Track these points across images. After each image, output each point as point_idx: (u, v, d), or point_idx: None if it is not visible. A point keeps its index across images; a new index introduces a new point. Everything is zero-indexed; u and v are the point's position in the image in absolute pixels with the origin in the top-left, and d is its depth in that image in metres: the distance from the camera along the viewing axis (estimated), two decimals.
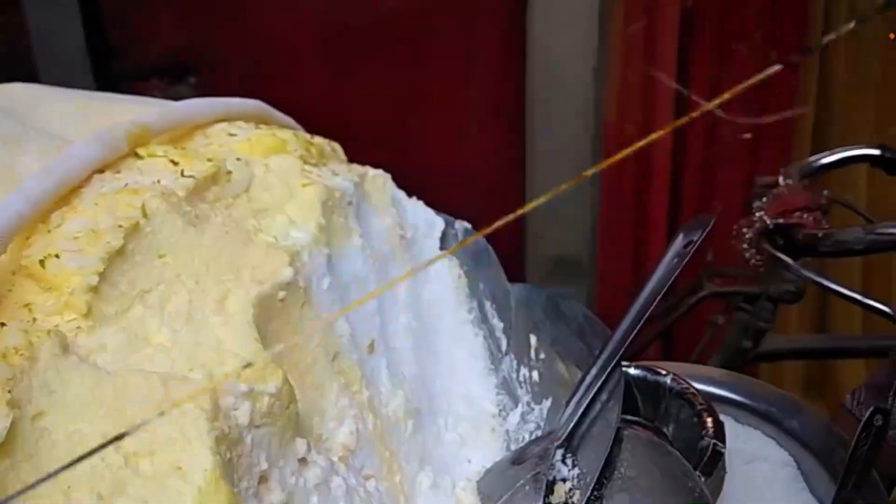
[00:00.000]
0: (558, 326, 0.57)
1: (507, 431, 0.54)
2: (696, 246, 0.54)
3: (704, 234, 0.54)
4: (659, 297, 0.53)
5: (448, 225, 0.65)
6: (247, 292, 0.38)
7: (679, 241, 0.55)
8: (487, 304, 0.61)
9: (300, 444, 0.36)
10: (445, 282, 0.61)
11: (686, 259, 0.54)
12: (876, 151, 1.00)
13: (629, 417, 0.51)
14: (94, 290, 0.33)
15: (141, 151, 0.42)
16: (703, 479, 0.46)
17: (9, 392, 0.27)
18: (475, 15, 1.23)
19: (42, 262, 0.33)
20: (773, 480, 0.59)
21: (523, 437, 0.54)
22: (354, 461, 0.41)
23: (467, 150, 1.24)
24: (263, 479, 0.34)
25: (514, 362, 0.58)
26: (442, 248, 0.63)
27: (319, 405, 0.41)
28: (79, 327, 0.32)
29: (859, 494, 0.52)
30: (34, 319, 0.31)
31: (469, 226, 0.65)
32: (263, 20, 1.26)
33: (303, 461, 0.37)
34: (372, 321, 0.49)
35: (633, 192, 1.26)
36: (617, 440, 0.47)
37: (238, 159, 0.46)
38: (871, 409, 0.50)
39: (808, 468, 0.58)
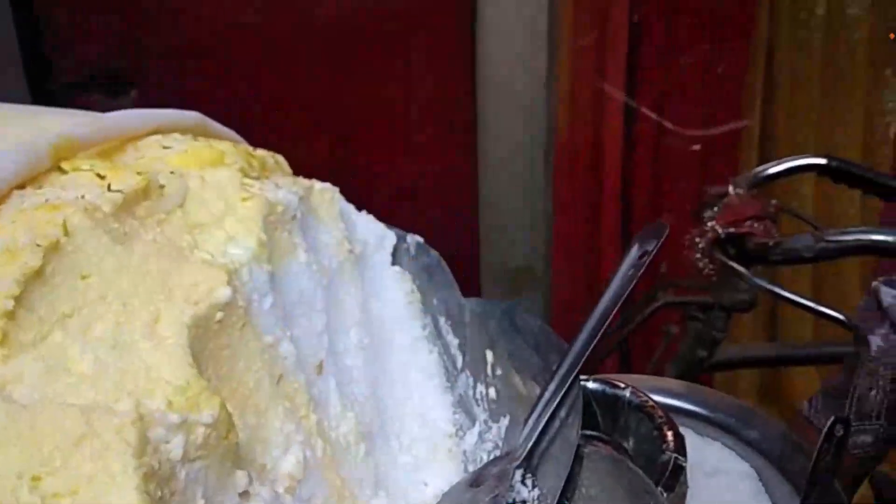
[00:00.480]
0: (514, 341, 0.56)
1: (465, 452, 0.53)
2: (651, 256, 0.53)
3: (659, 244, 0.53)
4: (616, 309, 0.52)
5: (400, 239, 0.63)
6: (180, 314, 0.35)
7: (634, 251, 0.54)
8: (442, 320, 0.60)
9: (241, 477, 0.34)
10: (397, 298, 0.60)
11: (641, 270, 0.53)
12: (822, 161, 1.02)
13: (589, 433, 0.50)
14: (10, 315, 0.30)
15: (65, 166, 0.39)
16: (664, 494, 0.45)
17: None
18: (423, 27, 1.22)
19: None
20: (735, 492, 0.58)
21: (481, 458, 0.52)
22: (301, 491, 0.39)
23: (417, 164, 1.23)
24: None
25: (471, 379, 0.56)
26: (394, 263, 0.61)
27: (262, 433, 0.38)
28: None
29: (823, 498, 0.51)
30: None
31: (421, 240, 0.64)
32: (207, 31, 1.23)
33: (244, 495, 0.34)
34: (320, 340, 0.47)
35: (586, 203, 1.26)
36: (577, 458, 0.46)
37: (172, 172, 0.44)
38: (832, 419, 0.50)
39: (768, 478, 0.58)
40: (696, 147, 1.33)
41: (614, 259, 1.25)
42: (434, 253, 0.63)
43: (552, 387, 0.49)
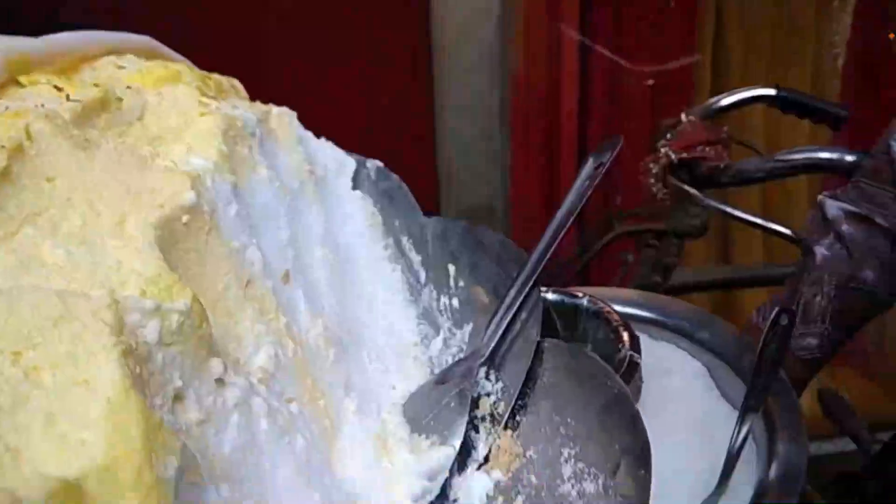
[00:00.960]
0: (476, 255, 0.58)
1: (430, 358, 0.55)
2: (606, 167, 0.55)
3: (614, 155, 0.55)
4: (573, 219, 0.54)
5: (359, 165, 0.64)
6: (146, 215, 0.37)
7: (590, 163, 0.57)
8: (404, 240, 0.61)
9: (216, 364, 0.36)
10: (359, 221, 0.61)
11: (597, 181, 0.55)
12: (771, 91, 1.05)
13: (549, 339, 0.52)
14: None
15: (22, 80, 0.40)
16: None
17: None
18: None
19: None
20: (688, 390, 0.62)
21: (446, 362, 0.54)
22: (275, 385, 0.41)
23: (373, 101, 1.23)
24: (178, 397, 0.33)
25: (434, 292, 0.58)
26: (354, 188, 0.63)
27: (234, 332, 0.40)
28: None
29: (768, 392, 0.55)
30: None
31: (381, 164, 0.65)
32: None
33: (220, 382, 0.36)
34: (285, 252, 0.49)
35: (543, 141, 1.28)
36: (537, 353, 0.49)
37: (129, 87, 0.45)
38: (777, 309, 0.54)
39: (719, 375, 0.61)
40: (651, 82, 1.36)
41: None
42: (394, 177, 0.64)
43: (513, 291, 0.52)
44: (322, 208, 0.57)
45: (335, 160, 0.63)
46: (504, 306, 0.52)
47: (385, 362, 0.55)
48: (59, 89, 0.39)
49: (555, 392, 0.46)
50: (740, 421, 0.55)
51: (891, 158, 0.70)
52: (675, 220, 1.08)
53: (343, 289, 0.55)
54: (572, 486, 0.40)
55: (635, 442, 0.39)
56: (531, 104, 1.28)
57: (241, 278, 0.42)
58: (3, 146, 0.33)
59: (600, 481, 0.39)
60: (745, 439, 0.56)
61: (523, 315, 0.52)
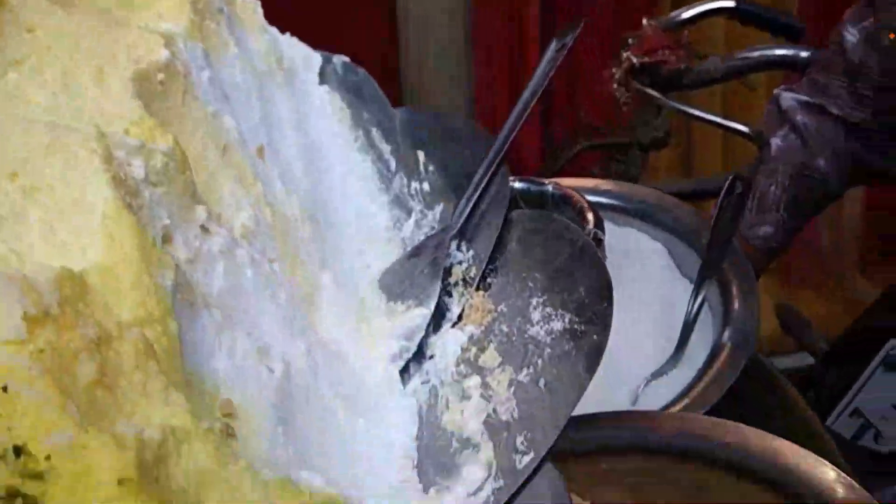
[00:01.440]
0: (445, 140, 0.60)
1: (403, 239, 0.57)
2: (568, 47, 0.58)
3: (576, 35, 0.58)
4: (537, 97, 0.57)
5: (325, 60, 0.65)
6: (123, 70, 0.38)
7: (553, 45, 0.59)
8: (373, 131, 0.63)
9: (200, 211, 0.38)
10: (328, 114, 0.63)
11: (559, 60, 0.57)
12: (731, 4, 1.08)
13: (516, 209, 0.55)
14: None
15: None
16: None
17: None
18: None
19: None
20: (648, 269, 0.66)
21: (419, 241, 0.57)
22: (256, 243, 0.43)
23: (336, 33, 1.23)
24: (167, 237, 0.35)
25: (404, 179, 0.60)
26: (322, 83, 0.64)
27: (214, 191, 0.42)
28: None
29: (723, 260, 0.59)
30: None
31: (347, 59, 0.66)
32: None
33: (205, 230, 0.38)
34: (258, 129, 0.50)
35: (505, 63, 1.29)
36: (506, 222, 0.51)
37: None
38: (732, 176, 0.57)
39: (678, 253, 0.65)
40: None
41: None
42: (361, 70, 0.66)
43: (482, 170, 0.54)
44: (291, 98, 0.59)
45: (301, 55, 0.64)
46: (473, 184, 0.54)
47: (359, 244, 0.57)
48: None
49: (523, 252, 0.49)
50: (696, 289, 0.59)
51: (843, 49, 0.73)
52: (637, 132, 1.11)
53: (315, 176, 0.57)
54: (541, 327, 0.43)
55: (598, 281, 0.43)
56: (495, 20, 1.29)
57: (218, 143, 0.44)
58: None
59: (567, 318, 0.42)
60: (700, 307, 0.60)
61: (492, 191, 0.54)
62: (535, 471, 0.34)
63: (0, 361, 0.22)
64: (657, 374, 0.58)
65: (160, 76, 0.40)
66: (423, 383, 0.47)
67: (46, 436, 0.21)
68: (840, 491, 0.40)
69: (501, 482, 0.36)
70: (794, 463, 0.43)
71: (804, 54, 0.84)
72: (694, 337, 0.59)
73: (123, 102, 0.36)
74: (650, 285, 0.64)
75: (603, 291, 0.42)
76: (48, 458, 0.21)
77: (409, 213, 0.59)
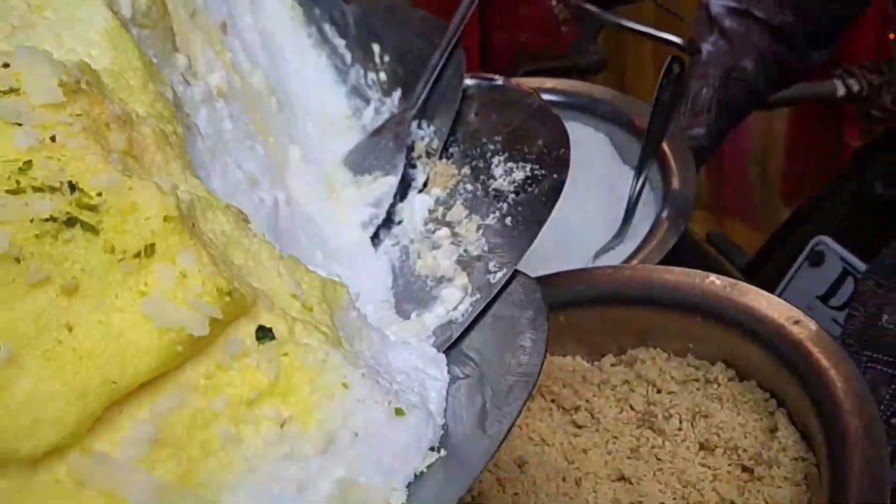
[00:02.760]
0: (398, 30, 0.63)
1: (363, 126, 0.60)
2: None
3: None
4: None
5: None
6: None
7: None
8: (326, 27, 0.65)
9: (181, 58, 0.40)
10: (279, 13, 0.65)
11: None
12: None
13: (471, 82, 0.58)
14: None
15: None
16: None
17: None
18: None
19: None
20: (593, 157, 0.71)
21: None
22: (230, 106, 0.46)
23: None
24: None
25: (361, 70, 0.63)
26: None
27: (188, 48, 0.44)
28: None
29: (663, 137, 0.64)
30: None
31: None
32: None
33: (185, 79, 0.40)
34: (220, 6, 0.52)
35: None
36: (464, 98, 0.55)
37: None
38: (670, 58, 0.62)
39: (619, 140, 0.70)
40: None
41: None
42: None
43: (438, 53, 0.58)
44: None
45: None
46: (430, 67, 0.58)
47: (321, 132, 0.60)
48: None
49: (482, 121, 0.53)
50: (639, 168, 0.65)
51: None
52: (576, 56, 1.16)
53: (274, 63, 0.60)
54: (503, 179, 0.47)
55: (556, 132, 0.47)
56: None
57: (188, 6, 0.46)
58: None
59: (528, 168, 0.47)
60: (643, 186, 0.65)
61: (448, 72, 0.58)
62: (509, 281, 0.39)
63: (42, 119, 0.24)
64: (607, 248, 0.64)
65: None
66: (393, 245, 0.51)
67: (94, 176, 0.24)
68: (796, 322, 0.44)
69: (478, 295, 0.40)
70: (737, 297, 0.48)
71: None
72: (638, 213, 0.65)
73: None
74: (596, 171, 0.69)
75: (561, 140, 0.46)
76: (99, 194, 0.24)
77: (367, 101, 0.62)
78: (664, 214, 0.62)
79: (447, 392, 0.33)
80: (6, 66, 0.25)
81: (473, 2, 0.59)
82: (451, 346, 0.37)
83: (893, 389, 0.52)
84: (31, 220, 0.22)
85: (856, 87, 1.20)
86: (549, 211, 0.42)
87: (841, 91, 1.21)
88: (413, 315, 0.42)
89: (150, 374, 0.23)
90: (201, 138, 0.36)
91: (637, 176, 0.64)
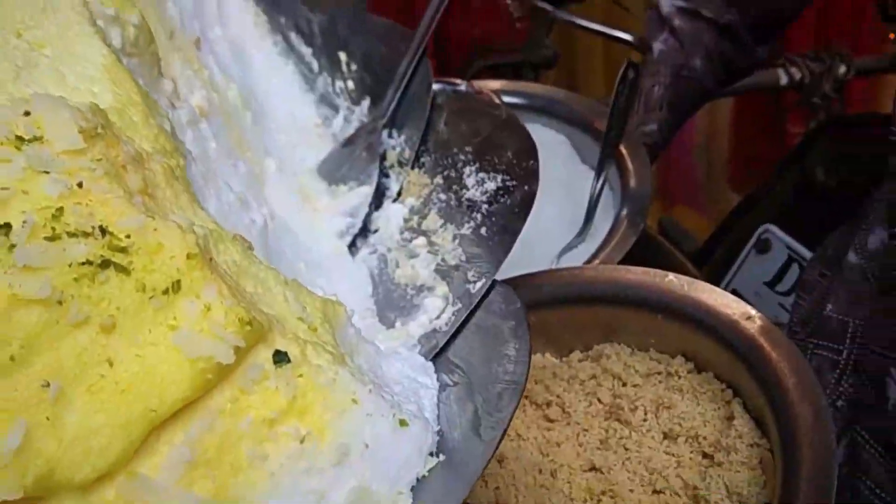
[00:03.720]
0: (365, 39, 0.65)
1: (333, 135, 0.63)
2: None
3: None
4: None
5: None
6: None
7: None
8: (292, 35, 0.67)
9: (167, 83, 0.42)
10: (245, 22, 0.66)
11: None
12: None
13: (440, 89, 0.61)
14: None
15: None
16: None
17: None
18: None
19: None
20: (554, 158, 0.74)
21: (350, 134, 0.63)
22: (211, 125, 0.47)
23: None
24: None
25: (328, 78, 0.65)
26: None
27: (169, 72, 0.46)
28: None
29: (621, 139, 0.68)
30: None
31: None
32: None
33: (170, 103, 0.42)
34: (192, 22, 0.54)
35: None
36: (433, 107, 0.58)
37: None
38: (626, 63, 0.66)
39: (578, 141, 0.74)
40: None
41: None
42: None
43: (405, 62, 0.60)
44: (213, 6, 0.62)
45: None
46: (398, 76, 0.60)
47: (292, 141, 0.62)
48: None
49: (452, 131, 0.56)
50: (598, 170, 0.69)
51: None
52: (529, 51, 1.19)
53: (243, 74, 0.61)
54: (476, 189, 0.51)
55: (523, 143, 0.50)
56: None
57: (166, 28, 0.47)
58: None
59: (499, 179, 0.50)
60: (602, 186, 0.69)
61: (416, 81, 0.60)
62: (489, 291, 0.42)
63: (67, 166, 0.27)
64: (570, 247, 0.67)
65: None
66: (370, 253, 0.53)
67: (121, 219, 0.26)
68: (748, 317, 0.48)
69: (459, 305, 0.43)
70: (694, 294, 0.52)
71: None
72: (598, 212, 0.69)
73: None
74: (557, 173, 0.72)
75: (529, 151, 0.50)
76: (128, 236, 0.26)
77: (336, 110, 0.64)
78: (623, 213, 0.66)
79: (438, 399, 0.36)
80: (27, 114, 0.27)
81: (437, 12, 0.61)
82: (437, 355, 0.40)
83: (838, 374, 0.57)
84: (70, 265, 0.24)
85: (798, 76, 1.26)
86: (523, 222, 0.46)
87: (783, 80, 1.27)
88: (397, 324, 0.45)
89: (183, 402, 0.25)
90: (195, 164, 0.38)
91: (597, 177, 0.68)
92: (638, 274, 0.55)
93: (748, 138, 1.79)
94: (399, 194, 0.55)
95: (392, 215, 0.54)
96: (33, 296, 0.23)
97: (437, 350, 0.40)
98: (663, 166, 1.70)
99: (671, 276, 0.54)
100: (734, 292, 1.09)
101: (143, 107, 0.33)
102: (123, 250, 0.26)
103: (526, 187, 0.48)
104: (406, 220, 0.54)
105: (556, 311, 0.57)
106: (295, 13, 0.68)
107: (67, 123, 0.27)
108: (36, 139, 0.27)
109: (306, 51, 0.67)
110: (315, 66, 0.67)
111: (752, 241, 1.03)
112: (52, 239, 0.24)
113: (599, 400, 0.53)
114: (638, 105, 0.89)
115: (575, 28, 1.02)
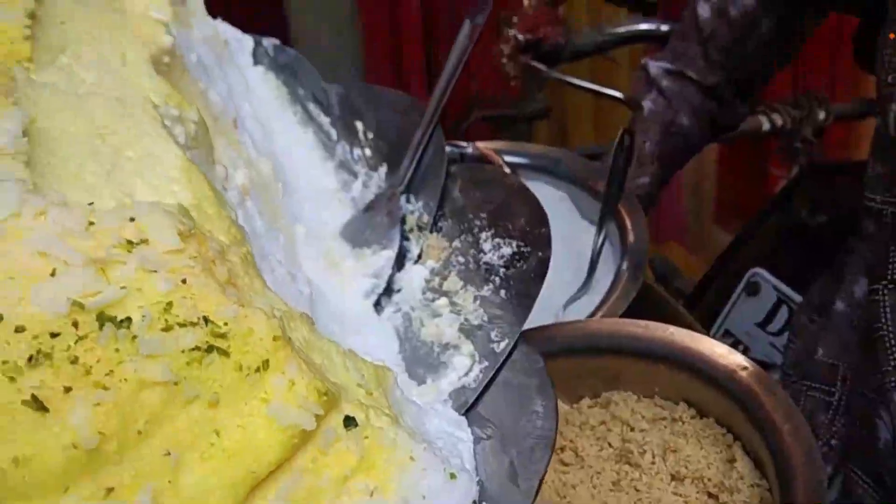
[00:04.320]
0: (379, 109, 0.71)
1: (353, 199, 0.68)
2: (481, 28, 0.70)
3: (486, 14, 0.70)
4: (459, 71, 0.69)
5: (256, 42, 0.74)
6: (139, 53, 0.47)
7: (466, 26, 0.71)
8: (310, 106, 0.73)
9: (220, 170, 0.47)
10: (265, 93, 0.72)
11: (475, 40, 0.70)
12: None
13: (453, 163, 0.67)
14: (29, 38, 0.40)
15: None
16: None
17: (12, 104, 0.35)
18: None
19: None
20: (554, 214, 0.80)
21: (368, 199, 0.68)
22: (255, 202, 0.53)
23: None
24: None
25: (347, 146, 0.71)
26: (255, 63, 0.73)
27: (218, 159, 0.51)
28: (28, 68, 0.39)
29: (619, 199, 0.74)
30: None
31: (277, 41, 0.76)
32: None
33: (223, 185, 0.47)
34: (227, 102, 0.59)
35: (390, 35, 1.41)
36: (448, 175, 0.64)
37: None
38: (621, 131, 0.72)
39: (577, 197, 0.80)
40: None
41: (420, 87, 1.42)
42: (291, 50, 0.76)
43: (419, 132, 0.66)
44: (238, 75, 0.68)
45: (234, 37, 0.73)
46: (413, 145, 0.66)
47: (314, 205, 0.67)
48: None
49: (466, 198, 0.61)
50: (599, 226, 0.74)
51: (696, 21, 0.91)
52: (523, 105, 1.26)
53: (270, 146, 0.67)
54: (493, 254, 0.56)
55: (535, 211, 0.56)
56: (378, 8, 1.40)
57: (211, 114, 0.53)
58: None
59: (513, 244, 0.55)
60: (603, 241, 0.75)
61: (430, 150, 0.66)
62: (512, 350, 0.47)
63: (171, 265, 0.32)
64: (573, 300, 0.73)
65: (166, 58, 0.49)
66: (395, 312, 0.58)
67: (219, 309, 0.31)
68: (744, 368, 0.54)
69: (486, 363, 0.48)
70: (694, 346, 0.58)
71: (664, 28, 1.02)
72: (599, 266, 0.74)
73: (151, 79, 0.45)
74: (560, 228, 0.78)
75: (541, 219, 0.55)
76: (226, 324, 0.31)
77: (354, 175, 0.70)
78: (624, 267, 0.72)
79: (474, 451, 0.41)
80: (132, 219, 0.32)
81: (448, 88, 0.67)
82: (468, 410, 0.45)
83: (831, 415, 0.63)
84: (182, 351, 0.29)
85: (779, 122, 1.34)
86: (539, 286, 0.51)
87: (766, 126, 1.35)
88: (428, 380, 0.50)
89: (277, 463, 0.30)
90: (251, 244, 0.43)
91: (598, 233, 0.74)
92: (641, 327, 0.60)
93: (733, 180, 1.87)
94: (419, 256, 0.61)
95: (414, 276, 0.59)
96: (155, 379, 0.28)
97: (468, 406, 0.45)
98: (653, 207, 1.77)
99: (671, 328, 0.59)
100: (726, 332, 1.15)
101: (215, 200, 0.39)
102: (223, 336, 0.31)
103: (540, 253, 0.53)
104: (427, 281, 0.59)
105: (566, 360, 0.62)
106: (312, 84, 0.74)
107: (167, 227, 0.33)
108: (143, 242, 0.32)
109: (325, 120, 0.73)
110: (333, 134, 0.72)
111: (742, 284, 1.10)
112: (166, 329, 0.30)
113: (610, 444, 0.58)
114: (632, 158, 0.95)
115: (567, 86, 1.09)
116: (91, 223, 0.32)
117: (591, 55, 1.10)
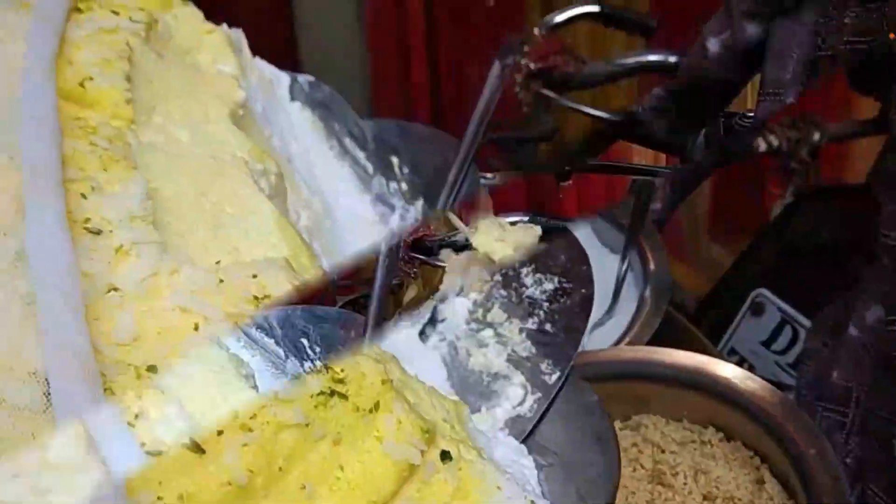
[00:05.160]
0: (414, 145, 0.76)
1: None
2: (513, 66, 0.76)
3: (517, 55, 0.76)
4: (491, 111, 0.74)
5: (292, 79, 0.79)
6: (220, 108, 0.51)
7: (496, 66, 0.76)
8: (346, 140, 0.78)
9: (293, 215, 0.52)
10: (302, 128, 0.77)
11: (506, 79, 0.75)
12: (595, 8, 1.31)
13: None
14: (128, 100, 0.45)
15: (80, 5, 0.52)
16: None
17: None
18: None
19: (81, 84, 0.43)
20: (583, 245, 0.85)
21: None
22: (317, 244, 0.57)
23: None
24: None
25: (383, 180, 0.76)
26: (291, 100, 0.78)
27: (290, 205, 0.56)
28: (132, 129, 0.44)
29: (640, 231, 0.80)
30: (94, 129, 0.43)
31: (312, 78, 0.80)
32: None
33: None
34: (281, 141, 0.64)
35: (397, 58, 1.46)
36: None
37: (141, 10, 0.57)
38: (639, 183, 0.78)
39: (599, 229, 0.85)
40: (492, 2, 1.57)
41: (424, 108, 1.48)
42: (326, 87, 0.80)
43: (455, 169, 0.71)
44: (281, 112, 0.72)
45: (273, 74, 0.77)
46: (450, 182, 0.71)
47: (353, 237, 0.72)
48: (116, 13, 0.52)
49: None
50: (623, 255, 0.80)
51: (704, 52, 0.96)
52: (532, 127, 1.32)
53: (315, 182, 0.72)
54: (535, 289, 0.61)
55: (575, 250, 0.61)
56: (382, 23, 1.45)
57: (279, 159, 0.57)
58: (120, 57, 0.47)
59: (556, 280, 0.60)
60: (627, 269, 0.80)
61: (465, 185, 0.71)
62: (563, 382, 0.52)
63: None
64: (598, 325, 0.78)
65: (241, 112, 0.53)
66: (440, 340, 0.63)
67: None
68: (766, 395, 0.59)
69: (539, 394, 0.53)
70: (721, 373, 0.63)
71: (672, 59, 1.07)
72: (623, 293, 0.79)
73: (233, 134, 0.49)
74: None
75: (582, 258, 0.60)
76: (342, 370, 0.36)
77: (392, 208, 0.75)
78: (647, 293, 0.77)
79: (539, 478, 0.46)
80: (255, 276, 0.37)
81: (482, 125, 0.72)
82: (525, 438, 0.50)
83: (846, 435, 0.68)
84: (311, 396, 0.34)
85: (776, 143, 1.40)
86: (586, 321, 0.56)
87: (762, 147, 1.40)
88: (483, 409, 0.55)
89: (392, 494, 0.35)
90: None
91: (622, 261, 0.79)
92: (669, 355, 0.65)
93: (728, 197, 1.94)
94: (461, 289, 0.65)
95: (458, 307, 0.64)
96: (291, 421, 0.33)
97: (525, 434, 0.50)
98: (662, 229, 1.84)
99: (699, 357, 0.64)
100: (732, 350, 1.21)
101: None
102: (342, 381, 0.35)
103: (583, 290, 0.58)
104: (471, 312, 0.64)
105: (599, 386, 0.67)
106: (347, 120, 0.79)
107: (283, 281, 0.37)
108: (266, 297, 0.36)
109: (360, 154, 0.78)
110: (370, 168, 0.77)
111: (747, 304, 1.15)
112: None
113: (642, 465, 0.63)
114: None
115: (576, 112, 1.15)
116: (221, 280, 0.36)
117: (600, 84, 1.15)
